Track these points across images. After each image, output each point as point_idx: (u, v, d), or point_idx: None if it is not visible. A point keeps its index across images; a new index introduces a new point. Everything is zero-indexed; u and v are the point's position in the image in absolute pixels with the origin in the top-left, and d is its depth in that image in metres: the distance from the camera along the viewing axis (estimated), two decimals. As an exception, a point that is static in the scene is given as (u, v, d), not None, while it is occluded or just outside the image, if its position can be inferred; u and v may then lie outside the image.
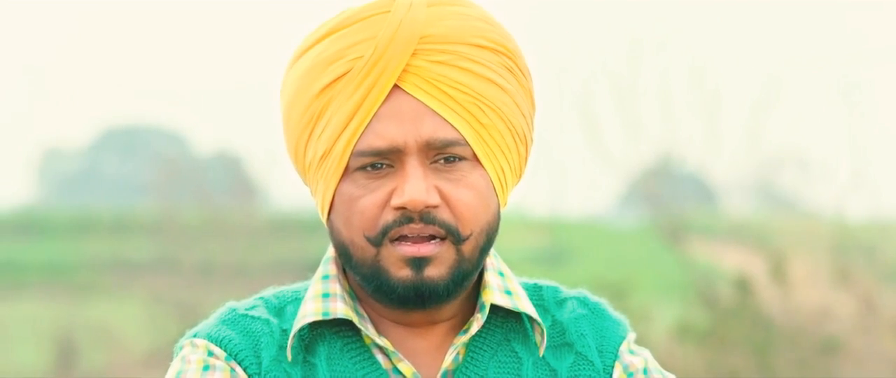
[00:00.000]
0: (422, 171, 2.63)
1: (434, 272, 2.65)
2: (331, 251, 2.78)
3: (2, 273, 40.02)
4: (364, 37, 2.65)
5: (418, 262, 2.65)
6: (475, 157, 2.66)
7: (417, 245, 2.65)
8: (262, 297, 2.78)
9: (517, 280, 2.79)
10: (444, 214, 2.65)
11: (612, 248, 33.40)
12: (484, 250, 2.69)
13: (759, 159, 18.80)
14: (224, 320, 2.75)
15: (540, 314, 2.77)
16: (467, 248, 2.67)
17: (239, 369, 2.69)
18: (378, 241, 2.65)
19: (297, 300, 2.76)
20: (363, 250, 2.67)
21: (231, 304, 2.77)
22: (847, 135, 16.43)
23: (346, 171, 2.67)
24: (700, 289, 15.53)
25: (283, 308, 2.76)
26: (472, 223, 2.66)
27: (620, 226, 37.83)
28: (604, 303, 2.84)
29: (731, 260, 17.16)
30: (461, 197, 2.65)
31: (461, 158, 2.65)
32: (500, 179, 2.68)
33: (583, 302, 2.83)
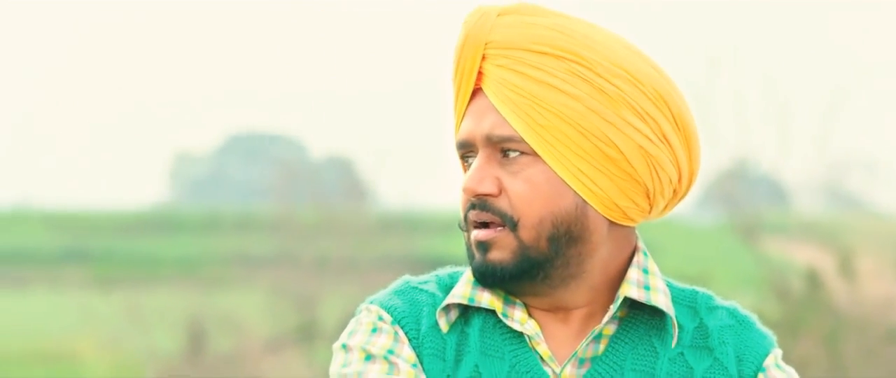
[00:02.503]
0: (484, 163, 2.67)
1: (496, 256, 2.67)
2: None
3: (139, 266, 40.25)
4: (459, 36, 2.73)
5: (483, 246, 2.68)
6: (534, 153, 2.66)
7: (477, 230, 2.69)
8: (436, 274, 2.81)
9: (664, 279, 2.76)
10: (500, 203, 2.67)
11: (691, 245, 33.32)
12: (554, 239, 2.67)
13: (828, 162, 18.70)
14: (396, 291, 2.78)
15: (689, 316, 2.77)
16: (526, 235, 2.67)
17: (401, 333, 2.72)
18: (464, 226, 2.72)
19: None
20: (461, 222, 2.74)
21: (406, 277, 2.81)
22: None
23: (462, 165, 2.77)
24: (773, 282, 15.46)
25: (452, 285, 2.77)
26: (525, 212, 2.66)
27: (699, 224, 37.73)
28: (753, 317, 2.81)
29: (801, 256, 17.07)
30: (516, 188, 2.66)
31: (521, 153, 2.66)
32: (576, 176, 2.66)
33: (732, 313, 2.80)
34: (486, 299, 2.72)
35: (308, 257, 27.18)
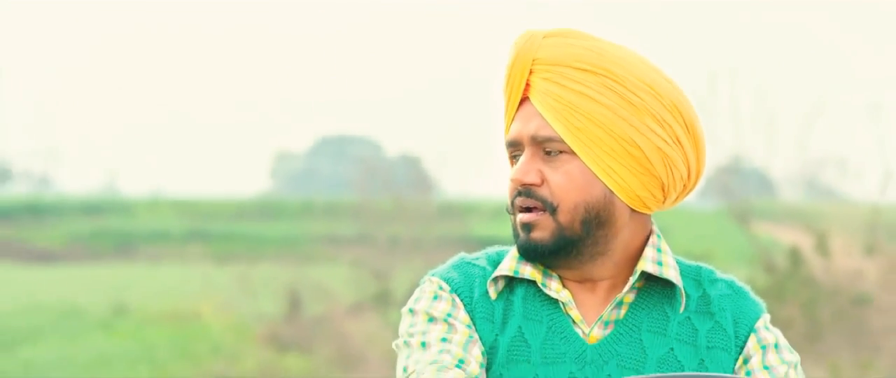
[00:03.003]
0: (529, 158, 2.70)
1: (537, 235, 2.70)
2: None
3: (248, 244, 40.34)
4: (508, 59, 2.75)
5: (527, 227, 2.71)
6: (572, 152, 2.68)
7: (522, 214, 2.71)
8: (486, 252, 2.83)
9: (673, 257, 2.77)
10: (542, 192, 2.69)
11: (695, 228, 33.21)
12: (586, 223, 2.69)
13: (807, 160, 18.67)
14: (453, 265, 2.80)
15: (695, 287, 2.78)
16: (563, 218, 2.68)
17: (458, 300, 2.74)
18: (511, 210, 2.73)
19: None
20: (509, 208, 2.76)
21: (462, 254, 2.83)
22: (875, 141, 16.20)
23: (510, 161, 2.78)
24: (762, 258, 15.39)
25: (499, 260, 2.79)
26: (563, 199, 2.68)
27: (702, 211, 37.59)
28: (747, 288, 2.83)
29: (785, 237, 16.97)
30: (556, 180, 2.68)
31: (561, 152, 2.68)
32: (606, 171, 2.67)
33: (730, 285, 2.81)
34: (528, 272, 2.74)
35: (383, 238, 27.15)
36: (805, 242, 15.44)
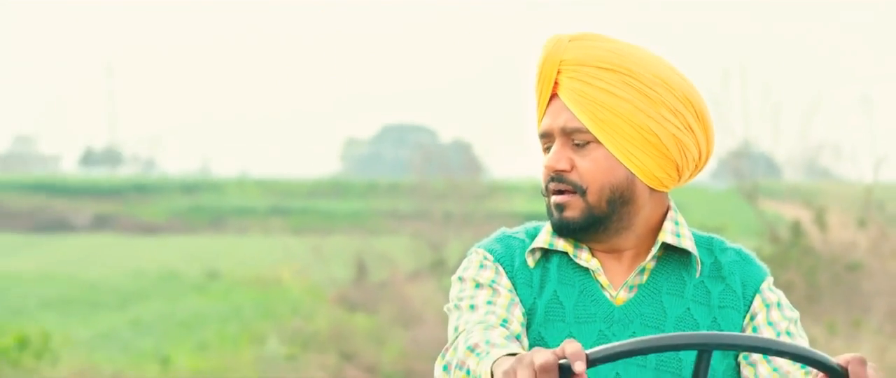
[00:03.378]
0: (560, 148, 2.70)
1: (569, 214, 2.70)
2: None
3: (321, 219, 40.46)
4: (538, 61, 2.75)
5: (560, 207, 2.71)
6: (597, 141, 2.66)
7: (555, 196, 2.71)
8: (525, 227, 2.83)
9: (690, 229, 2.76)
10: (572, 176, 2.69)
11: (710, 205, 33.12)
12: (612, 202, 2.69)
13: (808, 145, 18.58)
14: (496, 239, 2.81)
15: (707, 254, 2.76)
16: (592, 199, 2.68)
17: (501, 268, 2.75)
18: (545, 193, 2.73)
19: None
20: (543, 192, 2.76)
21: (503, 229, 2.84)
22: (866, 129, 16.10)
23: (542, 150, 2.77)
24: (767, 231, 15.34)
25: (536, 234, 2.80)
26: (591, 182, 2.67)
27: (715, 190, 37.52)
28: (753, 255, 2.80)
29: (788, 213, 16.89)
30: (584, 165, 2.67)
31: (587, 141, 2.66)
32: (628, 157, 2.67)
33: (738, 252, 2.79)
34: (561, 244, 2.74)
35: (438, 213, 27.18)
36: (805, 217, 15.39)
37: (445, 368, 2.62)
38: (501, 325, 2.64)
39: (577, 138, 2.68)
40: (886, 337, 11.25)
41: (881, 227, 13.00)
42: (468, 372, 2.54)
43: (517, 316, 2.68)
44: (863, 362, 2.40)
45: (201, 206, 46.84)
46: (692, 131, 2.69)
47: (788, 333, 2.72)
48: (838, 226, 15.06)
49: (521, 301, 2.72)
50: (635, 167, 2.67)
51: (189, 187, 51.56)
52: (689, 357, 2.65)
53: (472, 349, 2.56)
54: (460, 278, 2.75)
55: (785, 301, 2.76)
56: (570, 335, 2.67)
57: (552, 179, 2.69)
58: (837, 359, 2.43)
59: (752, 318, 2.72)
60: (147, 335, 18.14)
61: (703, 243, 2.78)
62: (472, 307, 2.69)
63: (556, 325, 2.69)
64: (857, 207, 14.28)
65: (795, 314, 2.75)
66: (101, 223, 44.46)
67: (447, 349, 2.64)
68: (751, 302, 2.73)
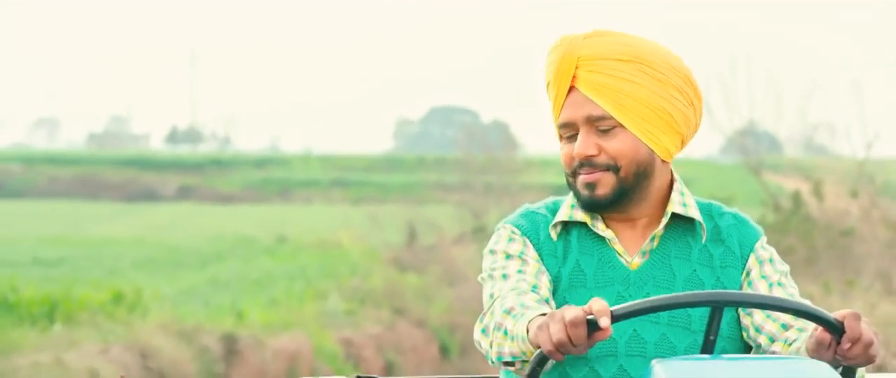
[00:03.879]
0: (586, 136, 2.67)
1: (601, 191, 2.68)
2: None
3: (376, 191, 40.52)
4: (554, 58, 2.70)
5: (590, 186, 2.68)
6: (621, 125, 2.64)
7: (591, 174, 2.67)
8: (545, 202, 2.81)
9: (693, 198, 2.76)
10: (600, 159, 2.67)
11: (719, 178, 32.91)
12: (639, 175, 2.68)
13: (806, 125, 18.48)
14: (521, 215, 2.78)
15: (706, 220, 2.75)
16: (623, 174, 2.67)
17: (528, 241, 2.73)
18: (573, 174, 2.70)
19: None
20: (567, 178, 2.73)
21: (526, 205, 2.82)
22: (858, 110, 15.97)
23: (559, 136, 2.73)
24: (770, 201, 15.27)
25: (556, 208, 2.78)
26: (621, 160, 2.66)
27: (724, 164, 37.30)
28: (748, 217, 2.78)
29: (789, 184, 16.80)
30: (613, 146, 2.65)
31: (612, 127, 2.65)
32: (648, 136, 2.66)
33: (734, 216, 2.77)
34: (580, 216, 2.73)
35: (479, 185, 27.23)
36: (804, 188, 15.30)
37: (484, 331, 2.61)
38: (532, 291, 2.63)
39: (602, 125, 2.65)
40: (876, 294, 11.18)
41: (871, 197, 12.90)
42: (505, 332, 2.54)
43: (545, 283, 2.67)
44: (858, 317, 2.39)
45: (271, 179, 46.96)
46: (693, 106, 2.70)
47: (780, 284, 2.70)
48: (833, 196, 14.96)
49: (547, 270, 2.70)
50: (654, 144, 2.66)
51: (260, 162, 51.69)
52: (697, 312, 2.64)
53: (508, 312, 2.56)
54: (492, 251, 2.74)
55: (776, 257, 2.74)
56: (591, 298, 2.64)
57: (582, 164, 2.67)
58: (834, 314, 2.43)
59: (747, 274, 2.71)
60: (224, 292, 18.24)
61: (704, 210, 2.76)
62: (504, 276, 2.68)
63: (579, 290, 2.69)
64: (850, 180, 14.18)
65: (786, 268, 2.74)
66: (184, 194, 44.69)
67: (484, 314, 2.64)
68: (747, 260, 2.71)
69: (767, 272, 2.71)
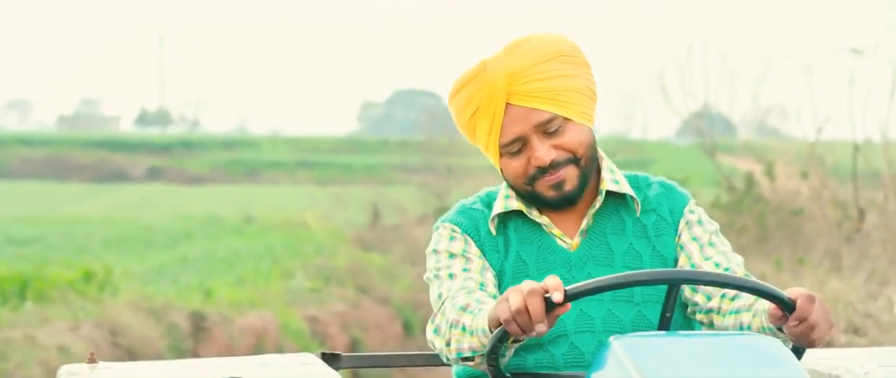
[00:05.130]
0: (539, 143, 2.64)
1: (569, 186, 2.67)
2: None
3: (341, 172, 40.45)
4: (479, 86, 2.63)
5: (559, 185, 2.66)
6: (567, 119, 2.64)
7: (554, 174, 2.65)
8: (479, 195, 2.79)
9: (621, 173, 2.75)
10: (561, 156, 2.65)
11: (675, 159, 33.02)
12: (593, 157, 2.67)
13: (759, 108, 18.59)
14: (458, 212, 2.76)
15: (636, 192, 2.74)
16: (582, 163, 2.66)
17: (469, 239, 2.72)
18: (530, 182, 2.67)
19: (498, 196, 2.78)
20: (520, 187, 2.69)
21: (462, 200, 2.79)
22: (808, 94, 16.05)
23: (501, 154, 2.68)
24: (724, 182, 15.33)
25: (491, 200, 2.76)
26: (579, 150, 2.65)
27: (679, 146, 37.40)
28: (675, 184, 2.78)
29: (742, 165, 16.87)
30: (567, 142, 2.63)
31: (560, 125, 2.64)
32: (585, 118, 2.65)
33: (661, 184, 2.76)
34: (516, 205, 2.70)
35: (442, 167, 27.20)
36: (757, 170, 15.36)
37: (436, 331, 2.60)
38: (480, 289, 2.63)
39: (550, 127, 2.62)
40: (824, 272, 11.24)
41: (821, 179, 12.95)
42: (463, 328, 2.54)
43: (490, 279, 2.66)
44: (812, 300, 2.38)
45: (239, 161, 46.78)
46: (592, 74, 2.70)
47: (711, 244, 2.70)
48: (785, 177, 15.03)
49: (491, 265, 2.69)
50: (590, 121, 2.67)
51: (228, 144, 51.47)
52: (640, 287, 2.63)
53: (463, 309, 2.56)
54: (434, 251, 2.72)
55: (705, 217, 2.73)
56: None
57: (542, 171, 2.63)
58: (788, 292, 2.41)
59: (679, 237, 2.70)
60: (192, 271, 18.15)
61: (633, 182, 2.75)
62: (450, 276, 2.67)
63: (523, 280, 2.63)
64: (801, 161, 14.24)
65: (714, 226, 2.73)
66: (153, 175, 44.45)
67: (435, 315, 2.63)
68: (677, 225, 2.71)
69: (697, 233, 2.71)
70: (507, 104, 2.62)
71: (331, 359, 3.04)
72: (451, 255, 2.68)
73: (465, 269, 2.66)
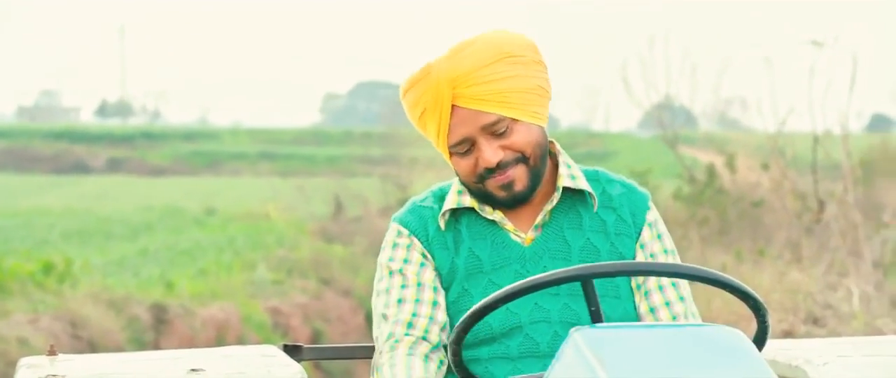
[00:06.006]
0: (487, 144, 2.61)
1: (519, 186, 2.65)
2: None
3: (303, 164, 40.35)
4: (425, 89, 2.60)
5: (508, 185, 2.64)
6: (515, 120, 2.59)
7: (503, 175, 2.63)
8: (432, 190, 2.76)
9: (579, 167, 2.73)
10: (509, 157, 2.62)
11: (637, 151, 33.10)
12: (543, 156, 2.64)
13: (720, 100, 18.67)
14: (408, 210, 2.75)
15: (595, 187, 2.71)
16: (533, 162, 2.63)
17: (416, 241, 2.70)
18: (480, 181, 2.64)
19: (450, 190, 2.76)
20: (471, 185, 2.67)
21: (413, 199, 2.76)
22: (768, 86, 16.16)
23: (451, 154, 2.64)
24: (686, 173, 15.38)
25: (444, 195, 2.74)
26: (528, 149, 2.61)
27: (641, 138, 37.50)
28: (634, 183, 2.76)
29: (703, 157, 16.95)
30: (515, 142, 2.60)
31: (507, 126, 2.60)
32: (534, 117, 2.61)
33: (622, 184, 2.74)
34: (467, 201, 2.68)
35: (404, 158, 27.15)
36: (718, 161, 15.44)
37: (380, 370, 2.59)
38: (406, 335, 2.61)
39: (498, 128, 2.59)
40: (785, 263, 11.31)
41: (782, 170, 13.02)
42: None
43: (429, 280, 2.65)
44: None
45: (200, 152, 46.58)
46: (546, 69, 2.67)
47: (673, 283, 2.69)
48: (745, 169, 15.12)
49: (439, 264, 2.66)
50: (541, 120, 2.63)
51: (190, 135, 51.22)
52: (597, 279, 2.59)
53: None
54: (380, 263, 2.72)
55: (663, 228, 2.73)
56: (491, 282, 2.63)
57: (490, 171, 2.60)
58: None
59: (642, 247, 2.69)
60: (153, 262, 18.06)
61: (592, 177, 2.73)
62: (384, 317, 2.65)
63: (477, 276, 2.66)
64: (761, 153, 14.32)
65: (671, 244, 2.73)
66: (114, 166, 44.21)
67: (381, 355, 2.62)
68: (640, 230, 2.69)
69: (655, 250, 2.70)
70: (454, 106, 2.59)
71: (292, 350, 3.03)
72: (391, 273, 2.68)
73: (399, 301, 2.65)
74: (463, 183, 2.67)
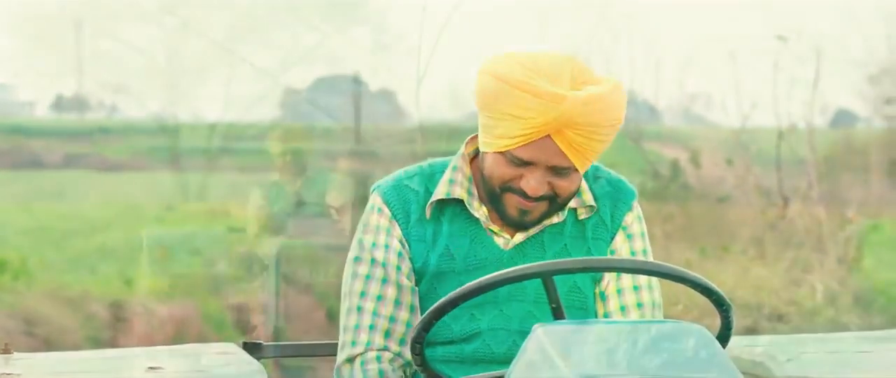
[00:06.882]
0: (541, 176, 2.57)
1: (532, 217, 2.62)
2: (465, 149, 2.69)
3: (264, 159, 40.16)
4: (544, 110, 2.51)
5: (525, 212, 2.61)
6: (575, 170, 2.57)
7: (529, 203, 2.60)
8: (420, 165, 2.72)
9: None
10: (548, 193, 2.59)
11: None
12: (570, 199, 2.65)
13: (684, 94, 18.76)
14: (393, 185, 2.69)
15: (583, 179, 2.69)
16: (558, 201, 2.62)
17: (396, 226, 2.66)
18: (504, 190, 2.59)
19: (442, 170, 2.68)
20: (495, 185, 2.61)
21: (401, 171, 2.71)
22: (733, 81, 16.22)
23: (503, 153, 2.58)
24: (650, 169, 15.44)
25: (433, 175, 2.68)
26: (566, 195, 2.61)
27: (605, 133, 37.64)
28: (623, 179, 2.75)
29: (668, 152, 17.02)
30: (561, 185, 2.58)
31: (569, 171, 2.56)
32: (586, 167, 2.60)
33: (609, 180, 2.73)
34: (458, 193, 2.64)
35: (366, 153, 27.05)
36: (682, 157, 15.50)
37: (341, 371, 2.59)
38: (390, 323, 2.59)
39: (562, 172, 2.58)
40: (749, 259, 11.39)
41: (746, 166, 13.10)
42: None
43: (404, 271, 2.62)
44: None
45: (159, 147, 46.36)
46: None
47: (635, 287, 2.70)
48: (710, 164, 15.18)
49: (414, 256, 2.63)
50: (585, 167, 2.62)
51: (148, 130, 50.96)
52: (563, 286, 2.59)
53: None
54: (360, 240, 2.65)
55: (638, 233, 2.71)
56: (461, 283, 2.57)
57: (527, 199, 2.57)
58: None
59: (612, 253, 2.69)
60: (111, 259, 17.94)
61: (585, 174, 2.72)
62: (362, 294, 2.62)
63: (448, 276, 2.63)
64: (726, 149, 14.40)
65: (641, 245, 2.71)
66: (71, 161, 43.85)
67: (344, 347, 2.59)
68: (615, 233, 2.69)
69: (634, 231, 2.70)
70: (549, 135, 2.54)
71: (252, 348, 3.03)
72: (373, 262, 2.63)
73: (378, 297, 2.61)
74: (484, 176, 2.61)
